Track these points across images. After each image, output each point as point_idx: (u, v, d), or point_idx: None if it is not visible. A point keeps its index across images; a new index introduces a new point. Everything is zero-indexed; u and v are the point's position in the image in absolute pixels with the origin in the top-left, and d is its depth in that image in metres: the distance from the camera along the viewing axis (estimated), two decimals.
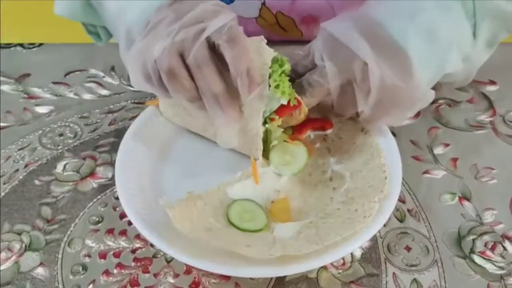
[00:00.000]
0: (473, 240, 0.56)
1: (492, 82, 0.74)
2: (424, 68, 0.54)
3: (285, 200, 0.55)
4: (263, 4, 0.75)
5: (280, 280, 0.53)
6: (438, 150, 0.65)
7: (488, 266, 0.54)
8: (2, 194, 0.60)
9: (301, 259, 0.49)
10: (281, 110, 0.57)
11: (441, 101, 0.71)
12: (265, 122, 0.57)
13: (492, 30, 0.57)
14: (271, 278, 0.53)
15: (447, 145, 0.66)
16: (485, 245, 0.56)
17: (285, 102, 0.55)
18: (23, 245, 0.55)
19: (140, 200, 0.56)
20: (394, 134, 0.62)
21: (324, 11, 0.75)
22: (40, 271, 0.53)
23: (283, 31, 0.79)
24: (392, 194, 0.54)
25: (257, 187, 0.56)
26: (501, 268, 0.54)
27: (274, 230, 0.53)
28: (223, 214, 0.54)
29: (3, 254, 0.55)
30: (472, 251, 0.55)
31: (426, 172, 0.63)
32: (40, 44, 0.82)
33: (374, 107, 0.55)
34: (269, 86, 0.54)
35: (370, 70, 0.52)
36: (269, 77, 0.54)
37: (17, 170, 0.63)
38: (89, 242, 0.56)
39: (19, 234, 0.56)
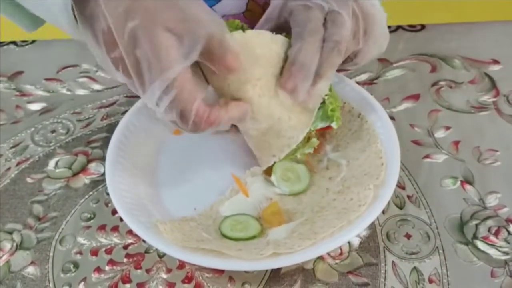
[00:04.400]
0: (476, 225, 0.54)
1: (495, 61, 0.71)
2: None
3: (274, 204, 0.54)
4: None
5: (275, 272, 0.51)
6: (439, 134, 0.63)
7: (492, 251, 0.52)
8: None
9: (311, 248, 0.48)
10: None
11: (441, 82, 0.69)
12: None
13: None
14: (266, 271, 0.51)
15: (448, 128, 0.63)
16: (489, 230, 0.53)
17: (335, 127, 0.56)
18: (14, 244, 0.55)
19: (132, 196, 0.54)
20: (392, 118, 0.61)
21: None
22: (31, 270, 0.52)
23: None
24: (390, 181, 0.52)
25: (248, 199, 0.54)
26: (506, 253, 0.51)
27: (268, 235, 0.51)
28: (216, 229, 0.52)
29: None
30: (475, 236, 0.53)
31: (427, 156, 0.60)
32: (33, 41, 0.81)
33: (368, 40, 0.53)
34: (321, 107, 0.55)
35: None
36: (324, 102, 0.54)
37: (9, 169, 0.62)
38: (80, 239, 0.55)
39: (10, 233, 0.56)
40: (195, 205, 0.55)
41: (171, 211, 0.55)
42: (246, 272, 0.51)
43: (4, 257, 0.53)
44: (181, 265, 0.52)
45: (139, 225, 0.50)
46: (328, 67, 0.51)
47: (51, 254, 0.54)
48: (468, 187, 0.57)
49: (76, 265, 0.52)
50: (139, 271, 0.52)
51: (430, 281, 0.50)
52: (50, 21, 0.49)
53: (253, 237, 0.51)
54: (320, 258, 0.52)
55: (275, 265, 0.49)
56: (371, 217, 0.49)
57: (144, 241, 0.54)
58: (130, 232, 0.55)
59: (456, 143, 0.62)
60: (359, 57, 0.55)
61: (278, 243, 0.49)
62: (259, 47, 0.50)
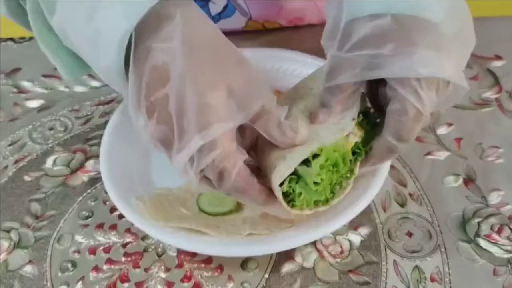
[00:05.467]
0: (479, 223, 0.53)
1: (498, 57, 0.70)
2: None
3: None
4: (249, 19, 0.74)
5: (275, 271, 0.50)
6: (441, 130, 0.62)
7: (494, 250, 0.51)
8: None
9: (290, 236, 0.48)
10: None
11: None
12: None
13: None
14: (266, 270, 0.50)
15: (450, 124, 0.63)
16: (491, 228, 0.53)
17: None
18: (12, 243, 0.54)
19: (121, 167, 0.55)
20: None
21: (309, 10, 0.74)
22: (28, 269, 0.52)
23: (268, 32, 0.78)
24: (381, 169, 0.51)
25: None
26: (508, 251, 0.51)
27: (244, 211, 0.52)
28: (194, 204, 0.53)
29: None
30: (477, 234, 0.52)
31: (429, 153, 0.60)
32: (31, 38, 0.80)
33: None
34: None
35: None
36: None
37: (6, 167, 0.61)
38: (78, 237, 0.54)
39: (8, 231, 0.55)
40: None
41: (157, 183, 0.56)
42: (245, 270, 0.50)
43: (2, 256, 0.53)
44: (180, 264, 0.51)
45: (119, 199, 0.51)
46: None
47: (49, 253, 0.53)
48: (470, 184, 0.56)
49: (74, 264, 0.52)
50: (137, 270, 0.51)
51: (432, 280, 0.49)
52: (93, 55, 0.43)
53: (230, 212, 0.52)
54: (320, 256, 0.51)
55: (256, 252, 0.50)
56: (358, 208, 0.49)
57: (142, 239, 0.53)
58: (128, 230, 0.54)
59: (458, 140, 0.61)
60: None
61: (254, 221, 0.50)
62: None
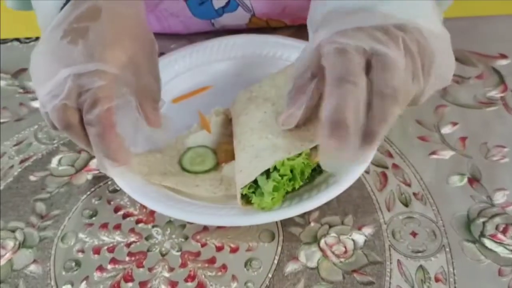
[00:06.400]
0: (484, 223, 0.53)
1: (503, 56, 0.70)
2: None
3: (228, 141, 0.57)
4: (253, 15, 0.74)
5: (279, 271, 0.50)
6: (446, 130, 0.62)
7: (500, 250, 0.51)
8: None
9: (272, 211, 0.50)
10: None
11: None
12: None
13: None
14: (269, 269, 0.51)
15: (455, 124, 0.62)
16: (496, 227, 0.52)
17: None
18: (17, 243, 0.54)
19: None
20: None
21: None
22: (33, 268, 0.52)
23: (273, 29, 0.78)
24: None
25: (210, 135, 0.59)
26: None
27: (223, 170, 0.55)
28: (178, 161, 0.57)
29: None
30: (482, 234, 0.52)
31: (433, 153, 0.59)
32: (37, 38, 0.80)
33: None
34: None
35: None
36: None
37: (12, 167, 0.62)
38: (82, 236, 0.54)
39: (13, 231, 0.55)
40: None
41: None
42: (248, 270, 0.51)
43: (7, 256, 0.53)
44: (184, 263, 0.51)
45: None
46: (381, 120, 0.42)
47: (53, 252, 0.53)
48: (475, 184, 0.56)
49: (78, 263, 0.52)
50: (141, 269, 0.51)
51: (437, 280, 0.49)
52: None
53: (209, 170, 0.56)
54: (324, 256, 0.51)
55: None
56: (335, 192, 0.50)
57: (146, 239, 0.54)
58: (132, 230, 0.54)
59: (463, 139, 0.61)
60: (419, 99, 0.46)
61: (230, 182, 0.53)
62: None
